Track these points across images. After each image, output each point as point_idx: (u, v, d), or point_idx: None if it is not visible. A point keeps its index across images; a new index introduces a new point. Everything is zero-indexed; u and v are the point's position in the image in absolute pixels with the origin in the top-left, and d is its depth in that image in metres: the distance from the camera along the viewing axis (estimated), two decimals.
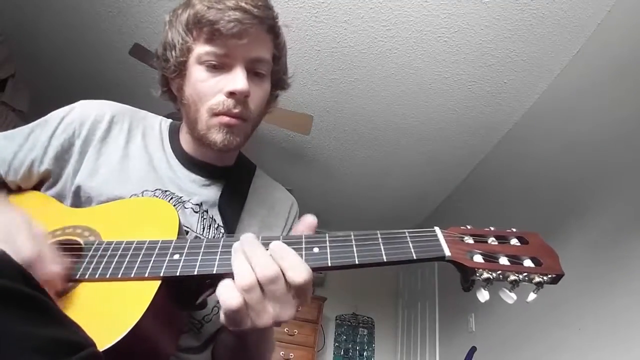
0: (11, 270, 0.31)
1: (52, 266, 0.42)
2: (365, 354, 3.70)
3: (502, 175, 2.47)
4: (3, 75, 2.51)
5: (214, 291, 0.46)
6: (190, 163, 0.69)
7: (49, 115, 0.66)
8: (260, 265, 0.41)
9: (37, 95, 2.78)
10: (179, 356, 0.58)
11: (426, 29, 1.92)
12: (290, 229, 0.77)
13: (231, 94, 0.59)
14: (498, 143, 2.56)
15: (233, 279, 0.42)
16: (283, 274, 0.41)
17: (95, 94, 2.77)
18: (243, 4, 0.56)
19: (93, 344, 0.34)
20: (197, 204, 0.66)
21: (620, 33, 1.65)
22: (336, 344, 3.73)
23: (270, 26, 0.62)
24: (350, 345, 3.72)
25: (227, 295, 0.40)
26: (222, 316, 0.42)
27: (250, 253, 0.42)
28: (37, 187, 0.64)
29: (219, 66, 0.60)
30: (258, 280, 0.40)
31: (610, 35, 1.71)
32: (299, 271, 0.41)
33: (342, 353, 3.68)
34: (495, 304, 0.45)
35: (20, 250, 0.40)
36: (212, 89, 0.60)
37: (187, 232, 0.62)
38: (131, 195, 0.61)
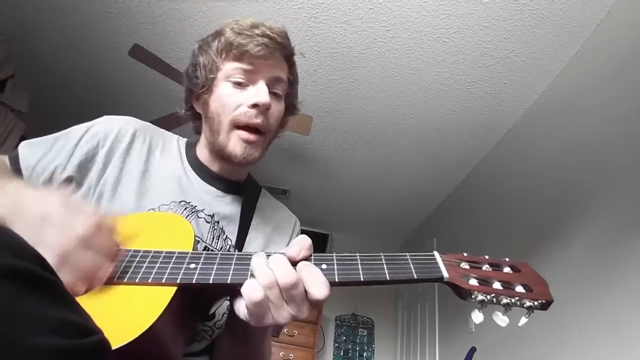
0: (25, 251, 0.32)
1: (81, 266, 0.44)
2: (365, 354, 3.70)
3: (502, 175, 2.48)
4: (3, 75, 2.51)
5: (224, 301, 0.51)
6: (206, 174, 0.75)
7: (73, 127, 0.70)
8: (280, 270, 0.45)
9: (36, 95, 2.78)
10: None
11: (425, 29, 1.92)
12: None
13: (254, 106, 0.66)
14: (498, 143, 2.56)
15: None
16: (304, 287, 0.45)
17: (95, 94, 2.78)
18: (269, 33, 0.66)
19: (101, 332, 0.35)
20: (209, 215, 0.71)
21: (620, 33, 1.65)
22: (336, 344, 3.72)
23: (289, 54, 0.72)
24: (350, 346, 3.72)
25: (251, 289, 0.44)
26: (245, 312, 0.46)
27: (272, 259, 0.46)
28: None
29: (244, 83, 0.67)
30: (277, 281, 0.44)
31: (609, 35, 1.71)
32: (320, 288, 0.45)
33: (341, 353, 3.68)
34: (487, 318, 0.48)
35: (49, 247, 0.42)
36: (237, 101, 0.67)
37: (197, 242, 0.65)
38: (149, 209, 0.65)
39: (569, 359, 1.53)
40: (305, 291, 0.45)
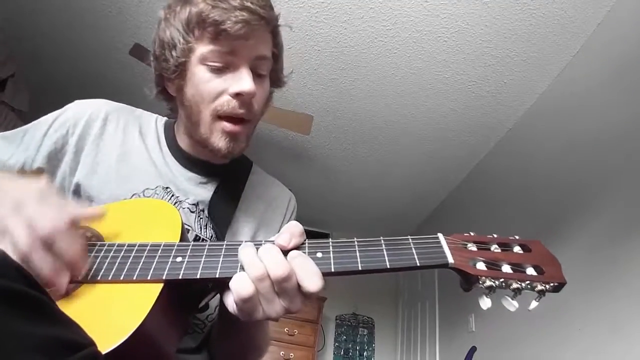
0: (10, 269, 0.31)
1: (68, 249, 0.42)
2: (365, 354, 3.70)
3: (502, 175, 2.47)
4: (3, 74, 2.51)
5: (216, 294, 0.48)
6: (186, 160, 0.68)
7: (43, 117, 0.65)
8: (271, 262, 0.42)
9: (37, 95, 2.78)
10: (176, 357, 0.58)
11: (426, 29, 1.92)
12: None
13: (237, 95, 0.58)
14: (498, 143, 2.56)
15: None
16: (297, 279, 0.42)
17: (95, 94, 2.76)
18: (249, 4, 0.55)
19: (93, 344, 0.34)
20: (193, 204, 0.65)
21: (620, 33, 1.65)
22: (336, 344, 3.73)
23: (274, 27, 0.63)
24: (350, 345, 3.72)
25: (240, 284, 0.41)
26: (234, 307, 0.43)
27: (262, 250, 0.43)
28: None
29: (223, 66, 0.58)
30: (268, 274, 0.41)
31: (610, 35, 1.71)
32: (313, 280, 0.42)
33: (342, 353, 3.68)
34: (495, 304, 0.46)
35: (39, 225, 0.41)
36: (216, 89, 0.58)
37: (188, 231, 0.62)
38: (132, 195, 0.61)
39: (569, 359, 1.53)
40: (298, 284, 0.42)
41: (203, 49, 0.57)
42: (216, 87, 0.58)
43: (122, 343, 0.38)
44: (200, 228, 0.64)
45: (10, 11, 2.24)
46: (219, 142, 0.60)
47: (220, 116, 0.59)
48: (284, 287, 0.41)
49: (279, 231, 0.71)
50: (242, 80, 0.57)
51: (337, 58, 2.18)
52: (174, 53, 0.59)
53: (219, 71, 0.58)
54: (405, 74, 2.20)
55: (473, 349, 2.31)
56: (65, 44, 2.42)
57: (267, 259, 0.42)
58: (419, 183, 3.15)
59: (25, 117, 2.74)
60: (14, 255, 0.39)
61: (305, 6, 1.93)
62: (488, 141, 2.58)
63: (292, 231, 0.45)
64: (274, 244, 0.44)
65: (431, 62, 2.09)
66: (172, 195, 0.64)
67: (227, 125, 0.59)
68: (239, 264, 0.44)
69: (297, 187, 3.43)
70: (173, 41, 0.59)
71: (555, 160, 1.96)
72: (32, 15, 2.26)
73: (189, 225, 0.63)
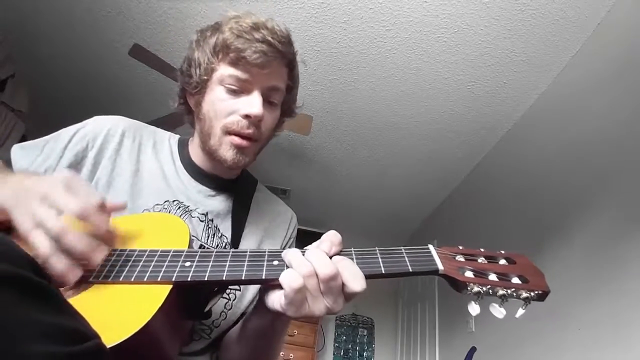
0: (18, 256, 0.32)
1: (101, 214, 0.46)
2: (365, 354, 3.70)
3: (502, 176, 2.47)
4: (3, 75, 2.51)
5: (220, 298, 0.51)
6: (198, 174, 0.74)
7: (63, 129, 0.69)
8: (319, 262, 0.45)
9: (37, 95, 2.78)
10: (182, 359, 0.60)
11: (426, 29, 1.92)
12: (290, 239, 0.83)
13: (247, 116, 0.64)
14: (498, 143, 2.56)
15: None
16: (342, 280, 0.46)
17: (95, 94, 2.78)
18: (269, 38, 0.62)
19: (98, 337, 0.34)
20: (203, 214, 0.70)
21: (620, 33, 1.65)
22: (336, 344, 3.73)
23: (289, 61, 0.69)
24: (350, 346, 3.72)
25: (291, 277, 0.44)
26: (282, 302, 0.46)
27: (310, 252, 0.47)
28: None
29: (238, 90, 0.65)
30: (316, 272, 0.45)
31: (610, 35, 1.71)
32: (358, 281, 0.46)
33: (342, 353, 3.68)
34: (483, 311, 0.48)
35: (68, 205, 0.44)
36: (229, 108, 0.64)
37: (193, 241, 0.65)
38: (143, 210, 0.65)
39: (569, 359, 1.53)
40: (342, 284, 0.46)
41: (223, 71, 0.64)
42: (229, 106, 0.65)
43: (128, 339, 0.39)
44: (208, 237, 0.69)
45: (10, 11, 2.24)
46: (227, 153, 0.65)
47: (229, 132, 0.65)
48: (330, 286, 0.45)
49: (282, 244, 0.79)
50: (253, 104, 0.64)
51: (337, 58, 2.18)
52: (198, 71, 0.67)
53: (234, 93, 0.65)
54: (405, 74, 2.20)
55: (473, 349, 2.31)
56: (65, 44, 2.42)
57: (314, 260, 0.46)
58: (419, 183, 3.15)
59: (25, 117, 2.74)
60: (48, 242, 0.42)
61: (305, 7, 1.93)
62: (488, 141, 2.58)
63: (332, 240, 0.49)
64: (318, 248, 0.48)
65: (431, 62, 2.09)
66: (180, 207, 0.68)
67: (235, 139, 0.65)
68: (244, 268, 0.48)
69: (297, 187, 3.43)
70: (199, 61, 0.67)
71: (555, 160, 1.96)
72: (32, 16, 2.26)
73: (194, 236, 0.67)
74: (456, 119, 2.43)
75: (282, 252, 0.49)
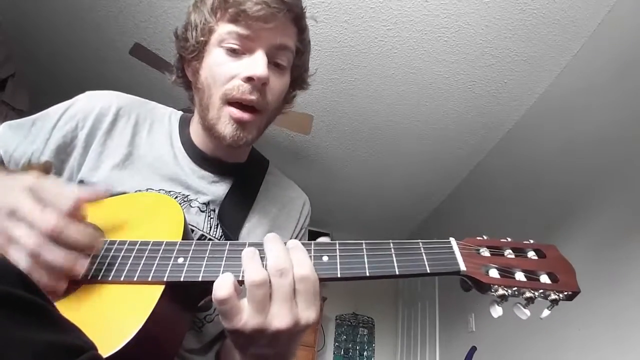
0: (10, 274, 0.31)
1: (75, 239, 0.41)
2: (365, 353, 3.70)
3: (502, 175, 2.47)
4: (3, 74, 2.51)
5: None
6: (200, 158, 0.66)
7: (51, 107, 0.64)
8: (273, 257, 0.40)
9: (37, 95, 2.78)
10: (181, 355, 0.57)
11: (426, 29, 1.92)
12: (301, 230, 0.74)
13: (249, 79, 0.55)
14: (498, 143, 2.56)
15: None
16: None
17: None
18: None
19: (94, 347, 0.34)
20: (204, 203, 0.63)
21: (620, 33, 1.65)
22: (336, 343, 3.73)
23: (297, 16, 0.60)
24: (350, 345, 3.73)
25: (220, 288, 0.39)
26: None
27: (269, 246, 0.42)
28: None
29: (239, 50, 0.57)
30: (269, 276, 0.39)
31: (610, 35, 1.71)
32: (304, 266, 0.40)
33: (342, 353, 3.68)
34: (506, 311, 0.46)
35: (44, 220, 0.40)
36: (229, 72, 0.56)
37: (192, 231, 0.60)
38: (135, 191, 0.59)
39: (569, 359, 1.53)
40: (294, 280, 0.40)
41: (222, 30, 0.57)
42: (229, 69, 0.57)
43: (123, 347, 0.38)
44: (210, 228, 0.62)
45: (10, 11, 2.24)
46: (225, 128, 0.57)
47: (230, 102, 0.57)
48: (280, 282, 0.40)
49: (292, 236, 0.71)
50: (256, 64, 0.55)
51: (338, 58, 2.18)
52: (194, 33, 0.59)
53: (235, 54, 0.57)
54: (405, 74, 2.20)
55: (473, 349, 2.31)
56: (65, 44, 2.42)
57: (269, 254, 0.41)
58: (419, 183, 3.15)
59: (26, 116, 2.74)
60: (25, 259, 0.39)
61: (305, 6, 1.92)
62: (488, 141, 2.58)
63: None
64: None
65: (431, 62, 2.09)
66: (177, 197, 0.62)
67: (234, 111, 0.57)
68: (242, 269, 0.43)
69: None
70: (195, 22, 0.59)
71: (555, 160, 1.96)
72: (32, 16, 2.26)
73: (194, 226, 0.61)
74: (456, 118, 2.43)
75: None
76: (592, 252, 1.56)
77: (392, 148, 2.80)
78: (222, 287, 0.38)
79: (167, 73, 0.69)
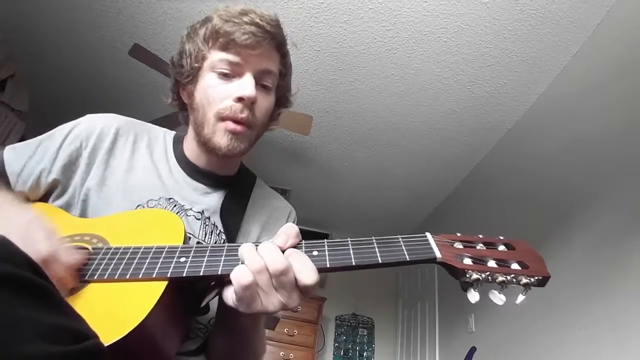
0: (19, 258, 0.32)
1: (67, 261, 0.45)
2: (365, 354, 3.70)
3: (502, 175, 2.48)
4: (3, 75, 2.51)
5: (218, 294, 0.50)
6: (193, 171, 0.72)
7: (56, 129, 0.69)
8: (270, 256, 0.45)
9: (37, 95, 2.78)
10: (177, 358, 0.59)
11: (426, 29, 1.92)
12: None
13: (239, 99, 0.63)
14: (498, 143, 2.56)
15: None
16: (294, 274, 0.45)
17: (95, 94, 2.78)
18: (258, 21, 0.62)
19: (97, 336, 0.34)
20: (198, 212, 0.69)
21: (620, 33, 1.65)
22: (336, 344, 3.72)
23: (279, 43, 0.68)
24: (350, 346, 3.72)
25: (240, 274, 0.44)
26: (233, 297, 0.46)
27: (262, 247, 0.46)
28: (43, 198, 0.67)
29: (230, 75, 0.64)
30: (267, 267, 0.44)
31: (609, 35, 1.71)
32: (309, 274, 0.45)
33: (342, 353, 3.68)
34: (494, 304, 0.47)
35: (37, 248, 0.43)
36: (222, 94, 0.64)
37: (189, 238, 0.64)
38: (137, 206, 0.64)
39: (569, 359, 1.53)
40: (295, 279, 0.45)
41: (214, 57, 0.64)
42: (222, 91, 0.64)
43: (125, 336, 0.39)
44: (205, 235, 0.68)
45: (11, 11, 2.24)
46: (221, 140, 0.64)
47: (223, 118, 0.64)
48: (282, 280, 0.44)
49: None
50: (245, 86, 0.63)
51: (337, 58, 2.18)
52: (189, 60, 0.67)
53: (226, 78, 0.64)
54: (405, 74, 2.20)
55: (473, 349, 2.31)
56: (65, 44, 2.42)
57: (265, 254, 0.45)
58: (419, 183, 3.15)
59: (25, 117, 2.74)
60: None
61: (304, 6, 1.93)
62: (488, 141, 2.58)
63: (288, 232, 0.49)
64: (272, 243, 0.47)
65: (431, 62, 2.09)
66: (176, 205, 0.67)
67: (230, 124, 0.63)
68: (240, 261, 0.47)
69: (297, 187, 3.43)
70: (190, 51, 0.67)
71: (555, 160, 1.96)
72: (32, 16, 2.26)
73: (190, 233, 0.66)
74: (456, 119, 2.43)
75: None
76: (592, 253, 1.56)
77: (391, 148, 2.80)
78: (245, 274, 0.44)
79: (163, 96, 0.76)
